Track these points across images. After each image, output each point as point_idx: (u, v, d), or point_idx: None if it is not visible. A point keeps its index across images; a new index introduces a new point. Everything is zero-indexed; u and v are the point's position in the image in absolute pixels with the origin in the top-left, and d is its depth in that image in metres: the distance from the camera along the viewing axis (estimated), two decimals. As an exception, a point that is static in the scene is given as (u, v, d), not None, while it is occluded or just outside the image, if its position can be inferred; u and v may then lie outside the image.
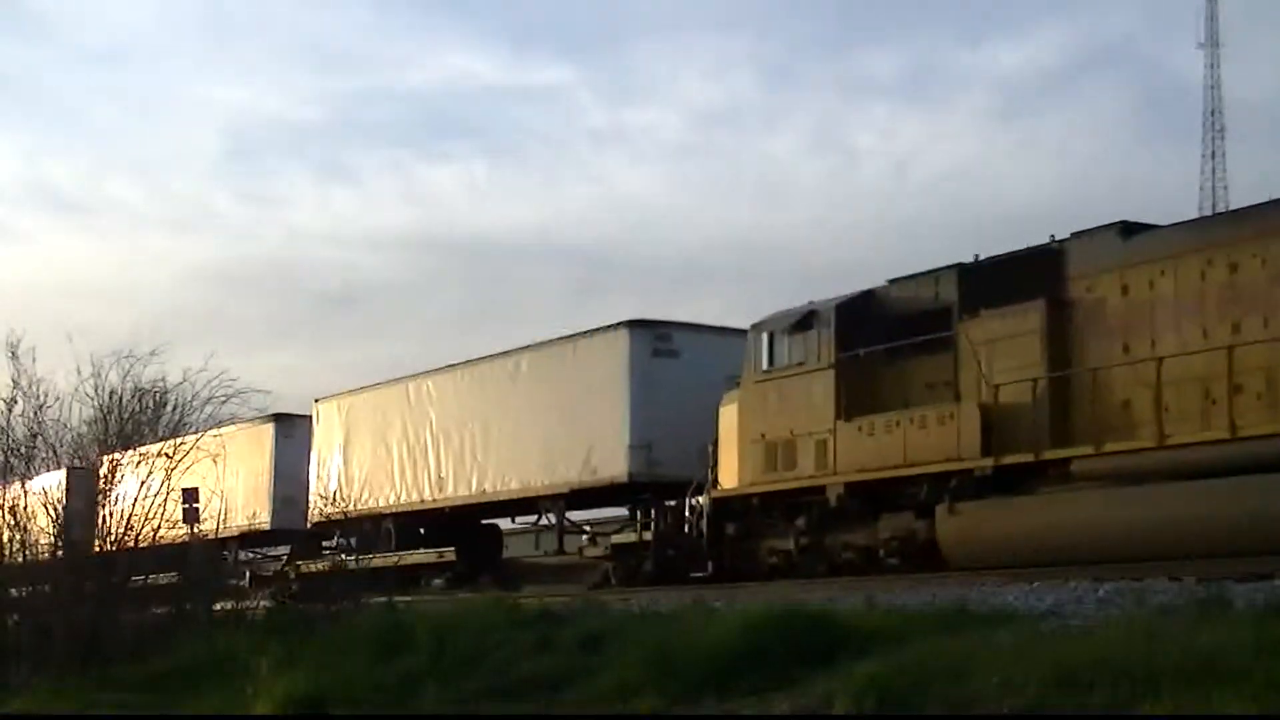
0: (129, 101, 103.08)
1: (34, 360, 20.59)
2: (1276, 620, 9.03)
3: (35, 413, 20.85)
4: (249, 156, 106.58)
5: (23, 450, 21.25)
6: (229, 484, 29.82)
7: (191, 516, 24.45)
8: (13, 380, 20.69)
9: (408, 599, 19.05)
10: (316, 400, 33.31)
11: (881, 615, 11.84)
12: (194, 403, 21.31)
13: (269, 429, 34.19)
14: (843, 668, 10.09)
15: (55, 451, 21.42)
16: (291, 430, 34.25)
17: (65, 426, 21.20)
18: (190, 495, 24.20)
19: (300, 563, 29.91)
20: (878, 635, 10.71)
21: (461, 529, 29.39)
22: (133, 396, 21.16)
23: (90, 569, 19.76)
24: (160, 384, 21.33)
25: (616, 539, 25.81)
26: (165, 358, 21.18)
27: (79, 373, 20.77)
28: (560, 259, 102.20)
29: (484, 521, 30.36)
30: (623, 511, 27.44)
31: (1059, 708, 8.39)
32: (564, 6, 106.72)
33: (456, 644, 13.74)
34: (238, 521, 32.87)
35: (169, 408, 21.46)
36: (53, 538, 20.53)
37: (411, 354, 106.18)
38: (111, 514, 19.93)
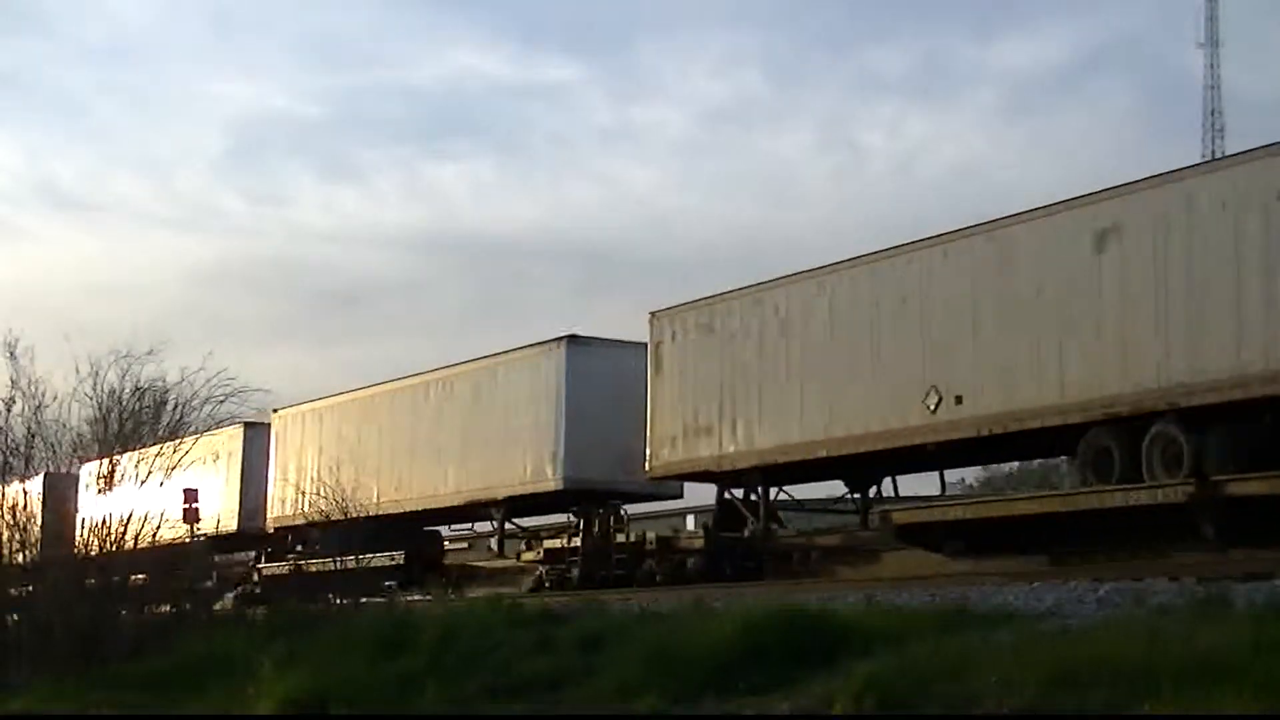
0: (132, 98, 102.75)
1: (33, 360, 20.62)
2: (1276, 620, 9.05)
3: (34, 413, 20.87)
4: (253, 154, 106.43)
5: (22, 450, 21.26)
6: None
7: (191, 517, 24.47)
8: (11, 380, 20.71)
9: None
10: (275, 411, 34.13)
11: (881, 615, 11.84)
12: (194, 402, 21.38)
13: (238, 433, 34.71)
14: (843, 668, 10.10)
15: (55, 451, 21.43)
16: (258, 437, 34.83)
17: (65, 427, 21.23)
18: (190, 495, 24.22)
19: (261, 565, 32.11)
20: (878, 635, 10.71)
21: (406, 534, 30.38)
22: (132, 395, 21.20)
23: (90, 569, 19.75)
24: (160, 383, 21.38)
25: (548, 544, 26.64)
26: (165, 357, 21.27)
27: (78, 372, 20.80)
28: (565, 257, 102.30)
29: (426, 528, 31.26)
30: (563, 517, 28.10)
31: (1059, 707, 8.41)
32: (571, 4, 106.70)
33: (456, 644, 13.75)
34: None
35: (169, 406, 21.52)
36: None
37: (414, 352, 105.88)
38: (110, 514, 19.94)
